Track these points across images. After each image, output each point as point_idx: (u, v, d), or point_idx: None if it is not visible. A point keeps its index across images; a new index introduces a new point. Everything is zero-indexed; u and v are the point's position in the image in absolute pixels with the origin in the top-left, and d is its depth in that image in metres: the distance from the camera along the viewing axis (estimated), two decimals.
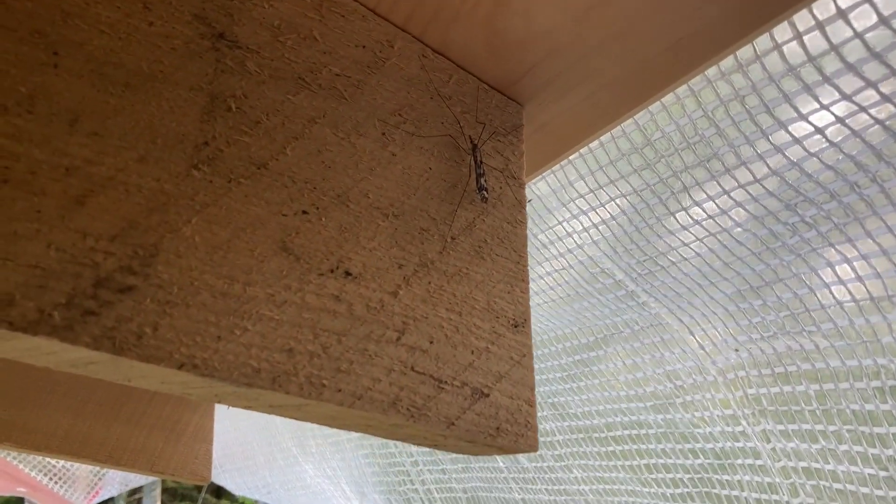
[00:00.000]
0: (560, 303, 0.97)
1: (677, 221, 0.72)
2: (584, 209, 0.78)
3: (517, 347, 0.50)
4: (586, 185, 0.75)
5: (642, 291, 0.87)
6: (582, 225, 0.80)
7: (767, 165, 0.67)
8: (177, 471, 1.48)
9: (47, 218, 0.39)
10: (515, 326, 0.51)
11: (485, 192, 0.51)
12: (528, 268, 0.52)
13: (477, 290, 0.50)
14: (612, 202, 0.76)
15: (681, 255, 0.77)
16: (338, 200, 0.47)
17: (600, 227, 0.79)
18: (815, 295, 0.71)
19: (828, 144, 0.63)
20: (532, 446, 0.48)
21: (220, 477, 3.01)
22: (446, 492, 1.94)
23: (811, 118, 0.64)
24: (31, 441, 1.19)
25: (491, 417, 0.47)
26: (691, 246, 0.75)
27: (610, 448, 1.17)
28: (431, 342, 0.47)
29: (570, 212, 0.77)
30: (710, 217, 0.70)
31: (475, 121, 0.54)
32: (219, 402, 0.44)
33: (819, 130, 0.64)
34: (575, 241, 0.82)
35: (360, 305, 0.45)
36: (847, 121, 0.62)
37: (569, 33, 0.48)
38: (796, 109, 0.62)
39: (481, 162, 0.51)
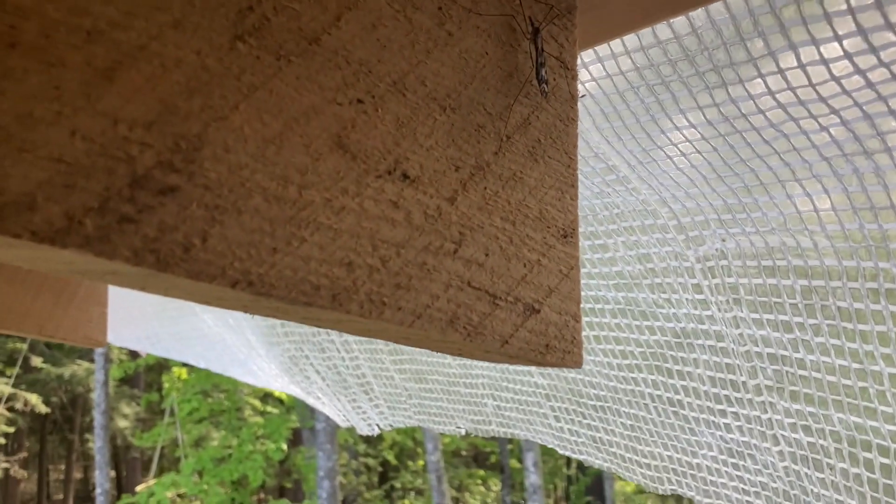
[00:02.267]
0: None
1: (703, 115, 0.69)
2: (594, 93, 0.74)
3: (566, 259, 0.47)
4: (603, 68, 0.70)
5: (636, 177, 0.85)
6: (585, 108, 0.76)
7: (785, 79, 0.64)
8: (68, 335, 1.38)
9: (69, 97, 0.30)
10: (565, 237, 0.47)
11: (545, 85, 0.45)
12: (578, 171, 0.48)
13: (530, 197, 0.45)
14: (628, 91, 0.72)
15: (694, 147, 0.75)
16: (394, 88, 0.40)
17: (608, 114, 0.75)
18: (829, 197, 0.71)
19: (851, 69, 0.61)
20: (577, 362, 0.46)
21: None
22: (365, 343, 1.95)
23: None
24: None
25: (541, 334, 0.44)
26: (710, 140, 0.73)
27: None
28: (487, 255, 0.43)
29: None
30: (727, 119, 0.68)
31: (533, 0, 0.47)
32: (270, 316, 0.38)
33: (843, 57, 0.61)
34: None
35: (418, 213, 0.40)
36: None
37: None
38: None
39: (543, 49, 0.45)
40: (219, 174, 0.34)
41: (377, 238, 0.38)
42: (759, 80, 0.63)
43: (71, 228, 0.30)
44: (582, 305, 1.27)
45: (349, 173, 0.38)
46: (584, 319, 1.25)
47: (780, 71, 0.61)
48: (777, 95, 0.63)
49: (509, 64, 0.46)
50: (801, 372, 0.85)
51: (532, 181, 0.46)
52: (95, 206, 0.31)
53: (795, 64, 0.60)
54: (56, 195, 0.30)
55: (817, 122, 0.65)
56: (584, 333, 1.33)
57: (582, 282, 1.23)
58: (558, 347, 0.45)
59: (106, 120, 0.31)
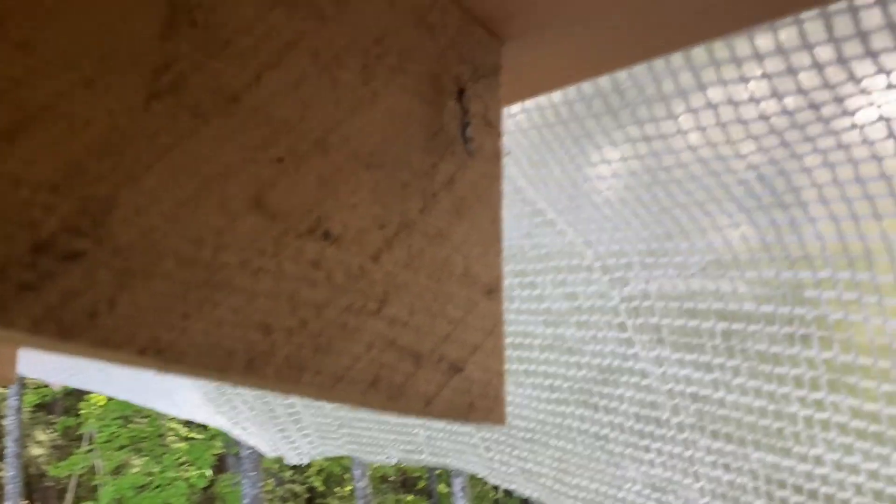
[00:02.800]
0: None
1: (626, 165, 0.71)
2: (521, 142, 0.75)
3: (490, 316, 0.47)
4: (529, 117, 0.71)
5: (563, 221, 0.86)
6: (513, 155, 0.77)
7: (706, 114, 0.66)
8: None
9: None
10: (489, 293, 0.47)
11: (470, 144, 0.46)
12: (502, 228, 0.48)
13: (455, 254, 0.45)
14: (553, 140, 0.73)
15: (619, 195, 0.76)
16: (316, 146, 0.39)
17: (535, 161, 0.76)
18: (748, 245, 0.73)
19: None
20: (500, 420, 0.46)
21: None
22: None
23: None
24: None
25: (465, 393, 0.44)
26: (633, 188, 0.74)
27: None
28: (412, 313, 0.42)
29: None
30: (649, 169, 0.70)
31: (458, 58, 0.47)
32: (185, 376, 0.37)
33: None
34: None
35: (340, 272, 0.39)
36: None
37: None
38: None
39: (467, 109, 0.46)
40: (129, 237, 0.32)
41: (296, 299, 0.37)
42: (680, 135, 0.65)
43: None
44: (511, 339, 1.29)
45: (267, 234, 0.37)
46: (514, 353, 1.27)
47: (701, 128, 0.63)
48: (698, 150, 0.65)
49: (435, 122, 0.46)
50: (720, 411, 0.87)
51: (457, 238, 0.46)
52: None
53: (714, 122, 0.62)
54: None
55: (735, 176, 0.67)
56: (513, 367, 1.35)
57: (511, 317, 1.25)
58: (481, 406, 0.45)
59: (7, 181, 0.30)
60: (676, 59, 0.57)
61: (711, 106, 0.59)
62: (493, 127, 0.49)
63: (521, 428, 1.28)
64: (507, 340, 1.19)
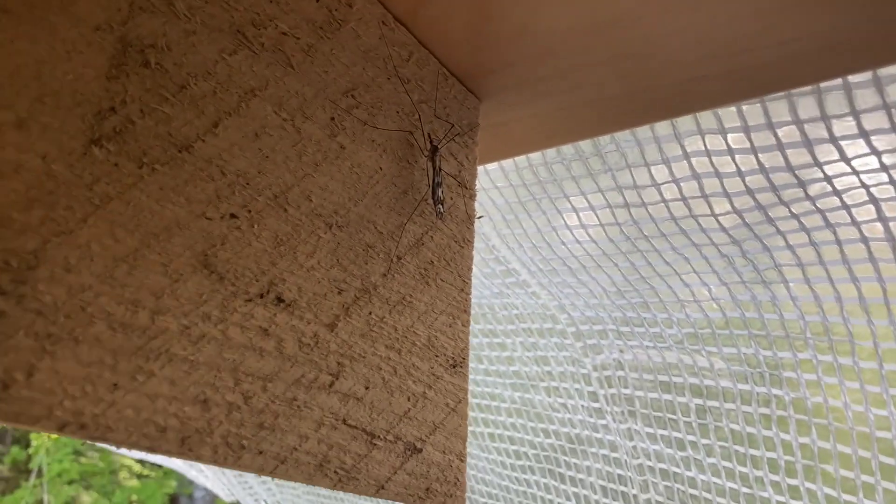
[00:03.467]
0: None
1: (604, 232, 0.69)
2: (494, 199, 0.72)
3: (454, 392, 0.43)
4: (505, 176, 0.68)
5: (536, 283, 0.84)
6: (486, 212, 0.74)
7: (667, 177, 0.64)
8: None
9: None
10: (454, 367, 0.44)
11: (441, 206, 0.43)
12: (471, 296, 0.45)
13: (419, 323, 0.42)
14: (529, 201, 0.71)
15: (596, 260, 0.74)
16: (274, 202, 0.36)
17: (509, 220, 0.74)
18: (727, 320, 0.71)
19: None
20: None
21: None
22: None
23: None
24: None
25: (422, 476, 0.41)
26: (610, 256, 0.72)
27: None
28: (367, 388, 0.39)
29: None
30: (629, 238, 0.68)
31: (433, 114, 0.45)
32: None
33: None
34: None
35: (291, 341, 0.36)
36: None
37: (575, 42, 0.40)
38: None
39: (440, 168, 0.43)
40: (55, 298, 0.29)
41: (241, 370, 0.34)
42: (662, 204, 0.63)
43: None
44: (478, 401, 1.25)
45: (213, 296, 0.33)
46: (480, 415, 1.23)
47: (683, 198, 0.61)
48: (680, 220, 0.63)
49: (404, 181, 0.43)
50: (691, 491, 0.84)
51: (422, 306, 0.43)
52: None
53: (698, 192, 0.60)
54: None
55: (718, 249, 0.65)
56: (479, 429, 1.31)
57: (479, 377, 1.21)
58: (439, 491, 0.41)
59: None
60: (662, 126, 0.56)
61: (695, 176, 0.57)
62: (466, 188, 0.47)
63: (482, 493, 1.23)
64: (474, 401, 1.15)
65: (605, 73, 0.43)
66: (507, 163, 0.68)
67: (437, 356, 0.43)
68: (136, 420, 0.31)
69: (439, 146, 0.43)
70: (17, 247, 0.28)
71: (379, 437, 0.39)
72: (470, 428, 1.21)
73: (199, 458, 0.32)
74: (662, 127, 0.56)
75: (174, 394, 0.32)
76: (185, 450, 0.32)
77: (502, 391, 1.08)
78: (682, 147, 0.56)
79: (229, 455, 0.33)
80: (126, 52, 0.32)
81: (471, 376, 1.22)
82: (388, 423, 0.39)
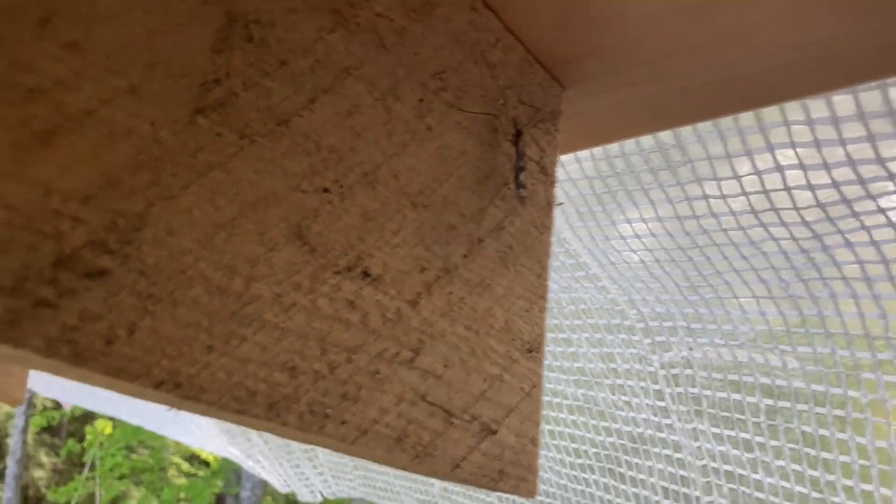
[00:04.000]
0: None
1: (681, 225, 0.68)
2: (568, 191, 0.72)
3: (528, 376, 0.44)
4: (581, 168, 0.68)
5: (606, 277, 0.83)
6: (562, 210, 0.74)
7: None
8: None
9: None
10: (530, 351, 0.44)
11: (523, 190, 0.43)
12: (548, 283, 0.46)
13: (497, 306, 0.42)
14: (604, 193, 0.70)
15: (669, 254, 0.73)
16: (364, 179, 0.37)
17: (582, 213, 0.74)
18: (802, 315, 0.70)
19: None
20: (531, 492, 0.42)
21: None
22: None
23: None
24: None
25: (496, 458, 0.41)
26: (685, 249, 0.71)
27: None
28: (446, 366, 0.39)
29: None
30: (706, 231, 0.67)
31: (517, 100, 0.45)
32: (199, 414, 0.34)
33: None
34: None
35: (376, 315, 0.37)
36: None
37: (670, 26, 0.40)
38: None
39: (523, 152, 0.43)
40: (157, 259, 0.30)
41: (328, 341, 0.35)
42: (743, 196, 0.62)
43: None
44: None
45: (305, 267, 0.34)
46: (542, 412, 1.22)
47: (765, 191, 0.60)
48: (760, 215, 0.62)
49: (487, 164, 0.43)
50: (757, 494, 0.83)
51: (500, 289, 0.43)
52: (9, 285, 0.27)
53: (781, 186, 0.59)
54: None
55: (798, 244, 0.64)
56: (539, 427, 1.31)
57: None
58: (513, 474, 0.42)
59: (36, 189, 0.27)
60: (745, 116, 0.55)
61: (778, 168, 0.56)
62: (547, 174, 0.47)
63: (540, 492, 1.23)
64: None
65: (695, 60, 0.42)
66: (584, 154, 0.68)
67: (513, 340, 0.43)
68: (228, 383, 0.31)
69: (523, 131, 0.44)
70: (125, 208, 0.29)
71: (456, 415, 0.39)
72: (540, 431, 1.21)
73: (284, 424, 0.33)
74: (746, 117, 0.55)
75: (264, 359, 0.32)
76: (273, 415, 0.33)
77: (565, 388, 1.07)
78: (766, 138, 0.55)
79: (314, 423, 0.34)
80: (231, 27, 0.33)
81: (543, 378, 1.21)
82: (464, 402, 0.40)
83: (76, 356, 0.28)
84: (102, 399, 2.71)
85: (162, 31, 0.31)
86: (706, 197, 0.63)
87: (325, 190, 0.35)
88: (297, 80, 0.35)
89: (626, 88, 0.46)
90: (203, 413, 0.33)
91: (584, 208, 0.74)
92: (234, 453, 2.52)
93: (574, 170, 0.70)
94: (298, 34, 0.35)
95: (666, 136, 0.59)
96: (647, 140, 0.61)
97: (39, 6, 0.28)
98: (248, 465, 2.57)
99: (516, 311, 0.44)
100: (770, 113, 0.53)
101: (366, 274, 0.37)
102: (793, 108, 0.52)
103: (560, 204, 0.48)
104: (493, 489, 0.41)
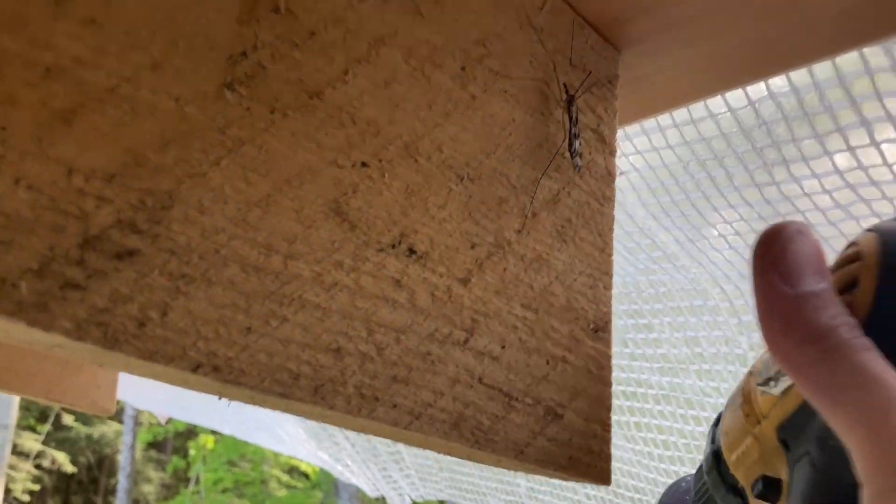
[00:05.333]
0: None
1: (761, 193, 0.63)
2: (638, 167, 0.69)
3: (596, 358, 0.41)
4: (649, 140, 0.65)
5: (685, 255, 0.79)
6: (629, 182, 0.71)
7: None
8: (76, 400, 1.33)
9: (17, 140, 0.26)
10: (596, 331, 0.41)
11: (578, 159, 0.41)
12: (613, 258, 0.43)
13: (556, 283, 0.40)
14: (676, 164, 0.67)
15: (750, 226, 0.69)
16: (405, 152, 0.35)
17: (654, 188, 0.70)
18: None
19: None
20: (605, 479, 0.40)
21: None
22: None
23: None
24: None
25: (564, 444, 0.38)
26: (768, 219, 0.67)
27: None
28: (503, 347, 0.37)
29: (618, 167, 0.68)
30: (787, 198, 0.63)
31: (569, 64, 0.43)
32: (245, 402, 0.33)
33: None
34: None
35: (424, 294, 0.35)
36: None
37: None
38: None
39: (577, 119, 0.41)
40: (189, 238, 0.29)
41: (373, 321, 0.33)
42: (826, 157, 0.57)
43: (1, 292, 0.25)
44: (623, 388, 1.20)
45: (346, 245, 0.33)
46: (625, 403, 1.18)
47: (849, 148, 0.56)
48: (846, 174, 0.58)
49: (539, 133, 0.41)
50: None
51: (560, 265, 0.40)
52: (35, 267, 0.26)
53: (867, 141, 0.54)
54: None
55: (891, 203, 0.59)
56: (624, 418, 1.26)
57: (623, 362, 1.16)
58: (583, 461, 0.39)
59: (59, 168, 0.27)
60: (822, 68, 0.50)
61: (863, 123, 0.52)
62: (605, 143, 0.44)
63: (628, 487, 1.19)
64: (619, 389, 1.11)
65: (749, 11, 0.39)
66: (650, 124, 0.64)
67: (576, 319, 0.40)
68: (270, 365, 0.30)
69: (576, 96, 0.41)
70: (153, 186, 0.28)
71: (517, 398, 0.37)
72: (615, 417, 1.19)
73: (332, 408, 0.31)
74: (823, 69, 0.51)
75: (307, 340, 0.31)
76: (318, 398, 0.31)
77: (649, 376, 1.03)
78: (847, 90, 0.50)
79: (363, 406, 0.32)
80: None
81: (615, 361, 1.19)
82: (525, 384, 0.37)
83: (108, 339, 0.27)
84: (192, 410, 2.78)
85: (184, 5, 0.30)
86: (786, 161, 0.58)
87: (364, 164, 0.34)
88: (329, 51, 0.34)
89: (685, 47, 0.43)
90: (246, 399, 0.31)
91: (656, 183, 0.70)
92: (323, 458, 2.55)
93: (642, 142, 0.66)
94: (328, 3, 0.34)
95: (748, 116, 0.55)
96: (716, 102, 0.57)
97: None
98: (336, 469, 2.60)
99: (578, 289, 0.41)
100: (848, 60, 0.49)
101: (411, 251, 0.35)
102: (875, 54, 0.48)
103: (622, 174, 0.45)
104: (564, 476, 0.38)
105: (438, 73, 0.37)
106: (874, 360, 0.28)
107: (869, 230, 0.32)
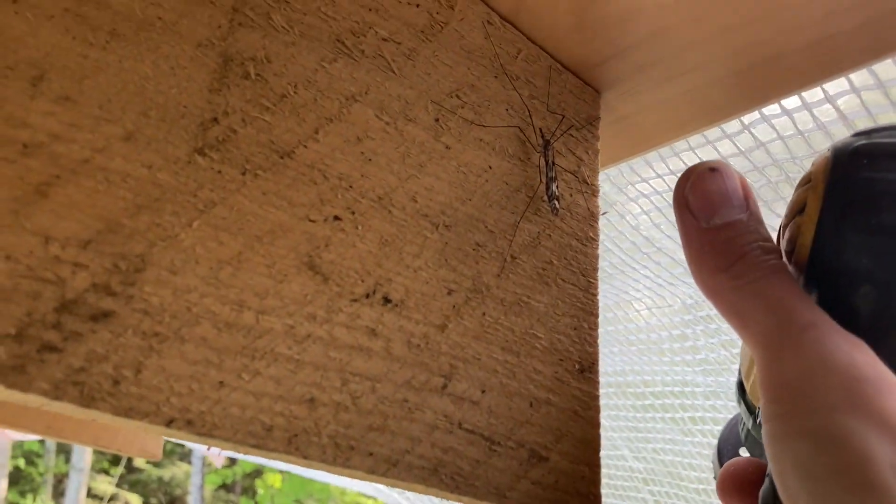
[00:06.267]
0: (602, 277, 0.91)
1: (769, 208, 0.63)
2: (646, 193, 0.69)
3: (581, 398, 0.41)
4: (652, 169, 0.66)
5: None
6: (644, 206, 0.71)
7: None
8: (124, 446, 1.37)
9: None
10: (581, 371, 0.41)
11: (556, 202, 0.41)
12: (598, 297, 0.43)
13: (538, 325, 0.40)
14: (672, 175, 0.67)
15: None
16: (378, 204, 0.36)
17: (662, 209, 0.71)
18: None
19: None
20: None
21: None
22: None
23: None
24: None
25: (549, 487, 0.38)
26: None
27: (647, 402, 1.15)
28: (483, 391, 0.38)
29: (629, 195, 0.69)
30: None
31: (546, 109, 0.43)
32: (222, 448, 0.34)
33: None
34: (629, 223, 0.74)
35: (399, 342, 0.36)
36: None
37: (686, 13, 0.38)
38: None
39: (553, 163, 0.41)
40: (161, 298, 0.30)
41: (348, 371, 0.34)
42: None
43: None
44: (670, 388, 1.20)
45: (319, 297, 0.34)
46: (676, 402, 1.19)
47: None
48: None
49: (516, 178, 0.42)
50: None
51: (542, 307, 0.41)
52: (13, 332, 0.28)
53: None
54: None
55: None
56: (678, 415, 1.25)
57: (665, 367, 1.16)
58: (570, 503, 0.39)
59: (35, 239, 0.28)
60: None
61: None
62: (588, 184, 0.44)
63: (691, 479, 1.18)
64: (666, 389, 1.12)
65: (723, 46, 0.39)
66: (650, 154, 0.64)
67: (561, 360, 0.41)
68: (243, 418, 0.31)
69: (552, 140, 0.42)
70: (126, 250, 0.30)
71: (499, 442, 0.37)
72: (668, 414, 1.19)
73: (307, 458, 0.32)
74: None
75: (280, 393, 0.32)
76: (293, 449, 0.32)
77: (693, 377, 1.03)
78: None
79: (338, 456, 0.33)
80: (227, 66, 0.34)
81: (657, 367, 1.19)
82: (507, 428, 0.38)
83: (84, 398, 0.29)
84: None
85: (155, 77, 0.32)
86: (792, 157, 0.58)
87: (336, 218, 0.35)
88: (299, 112, 0.35)
89: (665, 85, 0.44)
90: (221, 448, 0.32)
91: (664, 204, 0.70)
92: (379, 487, 2.54)
93: (643, 169, 0.67)
94: (298, 67, 0.35)
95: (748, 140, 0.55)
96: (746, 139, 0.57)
97: (32, 65, 0.29)
98: (392, 498, 2.59)
99: (562, 330, 0.41)
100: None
101: (386, 300, 0.36)
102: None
103: (604, 213, 0.46)
104: None
105: (411, 127, 0.38)
106: (779, 283, 0.29)
107: (827, 150, 0.32)
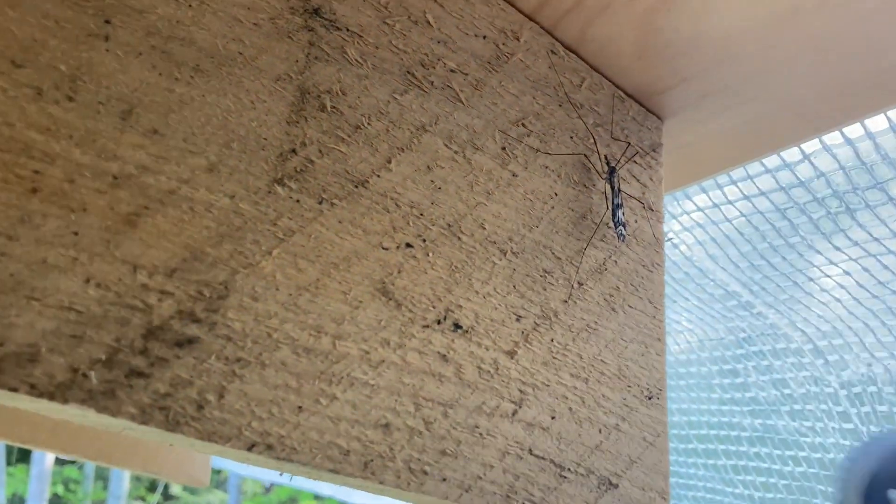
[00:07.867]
0: None
1: (829, 241, 0.63)
2: (702, 222, 0.69)
3: (651, 425, 0.41)
4: (709, 198, 0.65)
5: (760, 303, 0.78)
6: (698, 236, 0.71)
7: None
8: (171, 473, 1.38)
9: (87, 243, 0.29)
10: (650, 398, 0.41)
11: (623, 228, 0.41)
12: (665, 323, 0.43)
13: (606, 351, 0.40)
14: (737, 218, 0.67)
15: (821, 271, 0.68)
16: (448, 231, 0.37)
17: (719, 241, 0.70)
18: None
19: None
20: None
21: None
22: None
23: None
24: (16, 433, 1.09)
25: None
26: (838, 264, 0.66)
27: (691, 445, 1.13)
28: (553, 417, 0.38)
29: (683, 224, 0.69)
30: (856, 244, 0.61)
31: (610, 136, 0.44)
32: (297, 475, 0.35)
33: None
34: (681, 252, 0.74)
35: (470, 368, 0.36)
36: None
37: (753, 41, 0.38)
38: None
39: (619, 189, 0.42)
40: (243, 324, 0.31)
41: (421, 396, 0.34)
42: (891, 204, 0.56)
43: (74, 382, 0.28)
44: (716, 432, 1.18)
45: (392, 323, 0.34)
46: (720, 447, 1.17)
47: None
48: None
49: (582, 205, 0.42)
50: None
51: (609, 333, 0.41)
52: (103, 358, 0.29)
53: None
54: (62, 346, 0.28)
55: None
56: (720, 462, 1.23)
57: (713, 407, 1.14)
58: None
59: (124, 267, 0.29)
60: None
61: None
62: (652, 210, 0.45)
63: None
64: (711, 433, 1.10)
65: (789, 73, 0.39)
66: (707, 182, 0.64)
67: (629, 386, 0.40)
68: (320, 442, 0.32)
69: (617, 167, 0.42)
70: (210, 279, 0.31)
71: (569, 469, 0.37)
72: (710, 461, 1.17)
73: (382, 483, 0.32)
74: None
75: (356, 417, 0.32)
76: (368, 473, 0.32)
77: (741, 419, 1.01)
78: None
79: (412, 481, 0.33)
80: (304, 99, 0.35)
81: (704, 407, 1.17)
82: (578, 455, 0.38)
83: (169, 422, 0.29)
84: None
85: (236, 111, 0.33)
86: (849, 210, 0.57)
87: (408, 245, 0.36)
88: (373, 143, 0.36)
89: (727, 112, 0.44)
90: (298, 474, 0.33)
91: (721, 237, 0.70)
92: None
93: (701, 200, 0.66)
94: (371, 99, 0.36)
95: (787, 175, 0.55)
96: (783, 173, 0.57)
97: (122, 100, 0.31)
98: None
99: (629, 356, 0.41)
100: None
101: (457, 326, 0.36)
102: None
103: (670, 239, 0.46)
104: None
105: (479, 155, 0.39)
106: None
107: None
